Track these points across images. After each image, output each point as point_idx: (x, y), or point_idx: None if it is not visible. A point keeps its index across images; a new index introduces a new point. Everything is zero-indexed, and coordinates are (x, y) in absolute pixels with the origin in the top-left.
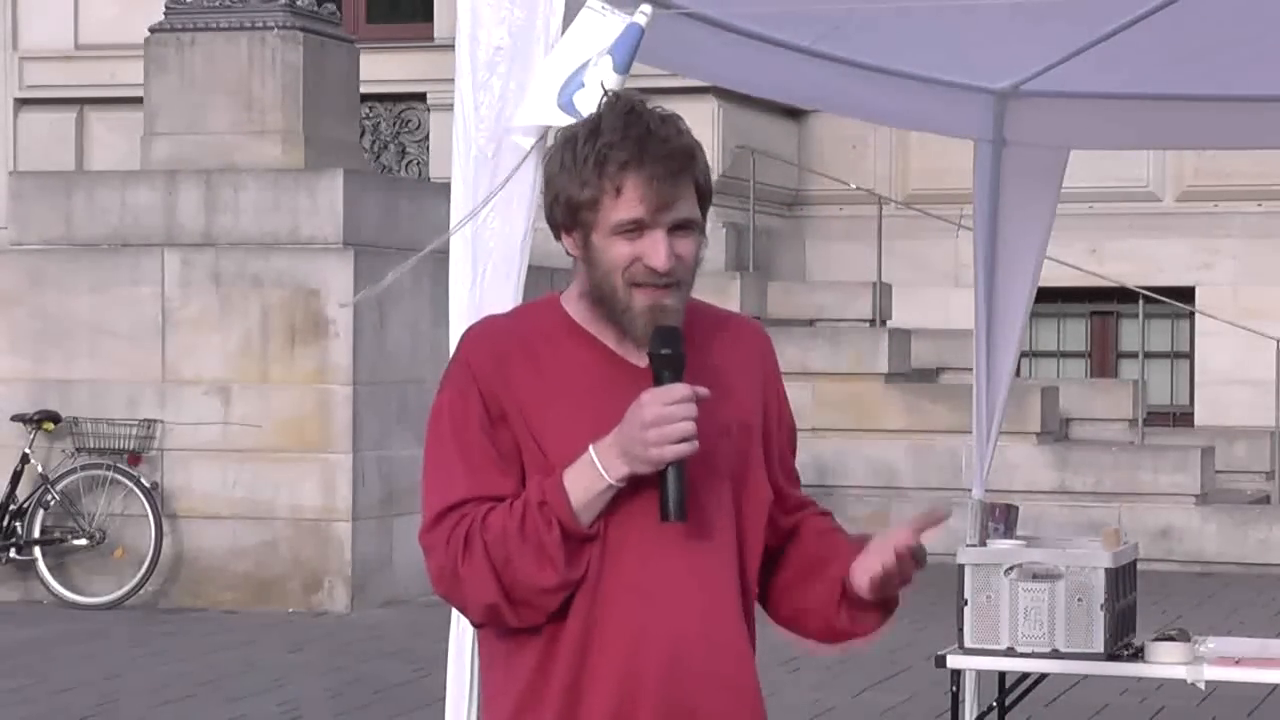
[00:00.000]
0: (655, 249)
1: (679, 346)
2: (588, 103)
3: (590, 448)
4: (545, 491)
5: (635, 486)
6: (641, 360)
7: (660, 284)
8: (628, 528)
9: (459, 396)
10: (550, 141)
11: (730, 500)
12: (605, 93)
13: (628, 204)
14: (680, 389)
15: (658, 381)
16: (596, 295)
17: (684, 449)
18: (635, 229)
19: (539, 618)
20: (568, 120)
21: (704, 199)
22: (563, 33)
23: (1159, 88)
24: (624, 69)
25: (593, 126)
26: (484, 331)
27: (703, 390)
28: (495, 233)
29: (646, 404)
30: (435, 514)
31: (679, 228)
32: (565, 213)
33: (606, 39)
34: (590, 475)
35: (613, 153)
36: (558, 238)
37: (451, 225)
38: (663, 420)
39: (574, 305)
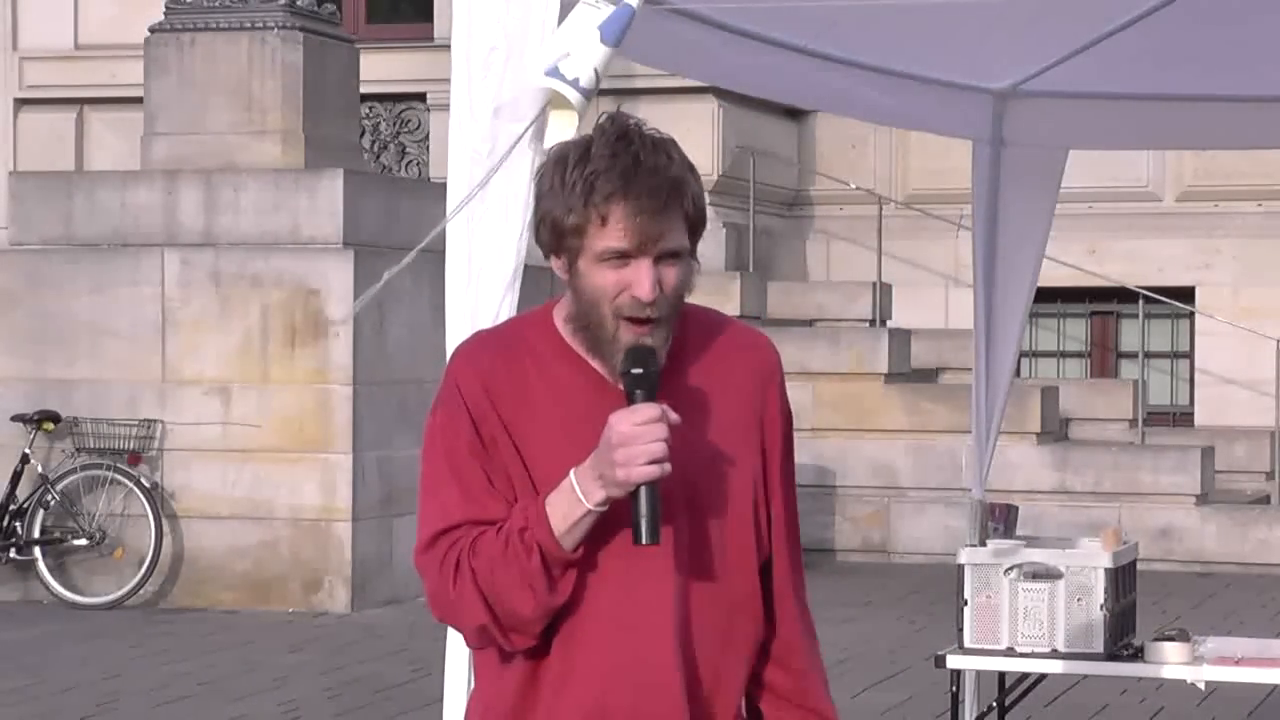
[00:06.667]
0: (640, 279)
1: (652, 365)
2: (574, 68)
3: (571, 472)
4: (528, 518)
5: (617, 513)
6: None
7: (644, 317)
8: (608, 555)
9: (450, 419)
10: (544, 130)
11: (715, 531)
12: (601, 115)
13: (614, 234)
14: (649, 409)
15: (630, 401)
16: (583, 322)
17: (652, 470)
18: (621, 258)
19: (529, 641)
20: (554, 84)
21: (695, 226)
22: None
23: (1159, 88)
24: (614, 42)
25: (582, 150)
26: (473, 351)
27: (673, 416)
28: (491, 232)
29: (614, 424)
30: (429, 537)
31: (666, 256)
32: (552, 236)
33: (598, 22)
34: (570, 500)
35: (599, 182)
36: (546, 258)
37: (446, 222)
38: (631, 440)
39: (564, 324)
